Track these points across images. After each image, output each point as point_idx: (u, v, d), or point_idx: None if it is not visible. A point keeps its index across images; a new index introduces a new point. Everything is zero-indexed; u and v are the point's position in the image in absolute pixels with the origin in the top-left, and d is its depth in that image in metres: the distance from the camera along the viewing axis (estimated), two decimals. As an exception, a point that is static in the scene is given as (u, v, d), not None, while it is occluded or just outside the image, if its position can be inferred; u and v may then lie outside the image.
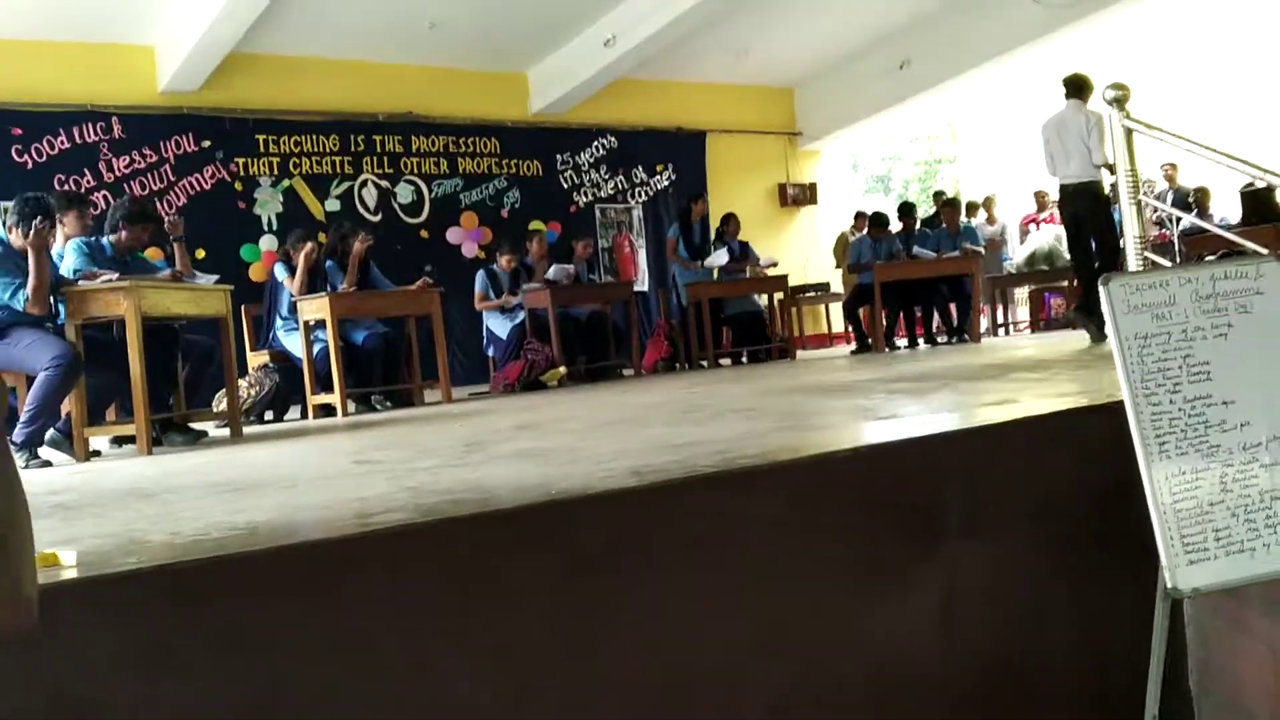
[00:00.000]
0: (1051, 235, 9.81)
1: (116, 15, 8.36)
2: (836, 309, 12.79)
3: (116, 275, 4.40)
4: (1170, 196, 9.70)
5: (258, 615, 1.66)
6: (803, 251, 12.51)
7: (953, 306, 8.82)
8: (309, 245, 6.60)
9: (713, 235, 9.47)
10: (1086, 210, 6.41)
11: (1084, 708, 2.73)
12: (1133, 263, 3.22)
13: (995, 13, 10.87)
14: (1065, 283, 9.88)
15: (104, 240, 4.84)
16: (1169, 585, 2.38)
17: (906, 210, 9.46)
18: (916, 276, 8.50)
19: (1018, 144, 15.59)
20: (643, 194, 12.05)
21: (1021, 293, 11.27)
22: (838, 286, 12.38)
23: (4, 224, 4.44)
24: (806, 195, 13.06)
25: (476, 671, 1.84)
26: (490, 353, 8.08)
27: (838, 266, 12.29)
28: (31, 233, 4.17)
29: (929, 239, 9.07)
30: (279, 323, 6.70)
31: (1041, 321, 10.58)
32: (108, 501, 2.78)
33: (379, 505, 2.17)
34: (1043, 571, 2.67)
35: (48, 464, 4.30)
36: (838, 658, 2.28)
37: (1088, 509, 2.76)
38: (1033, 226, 10.62)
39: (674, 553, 2.10)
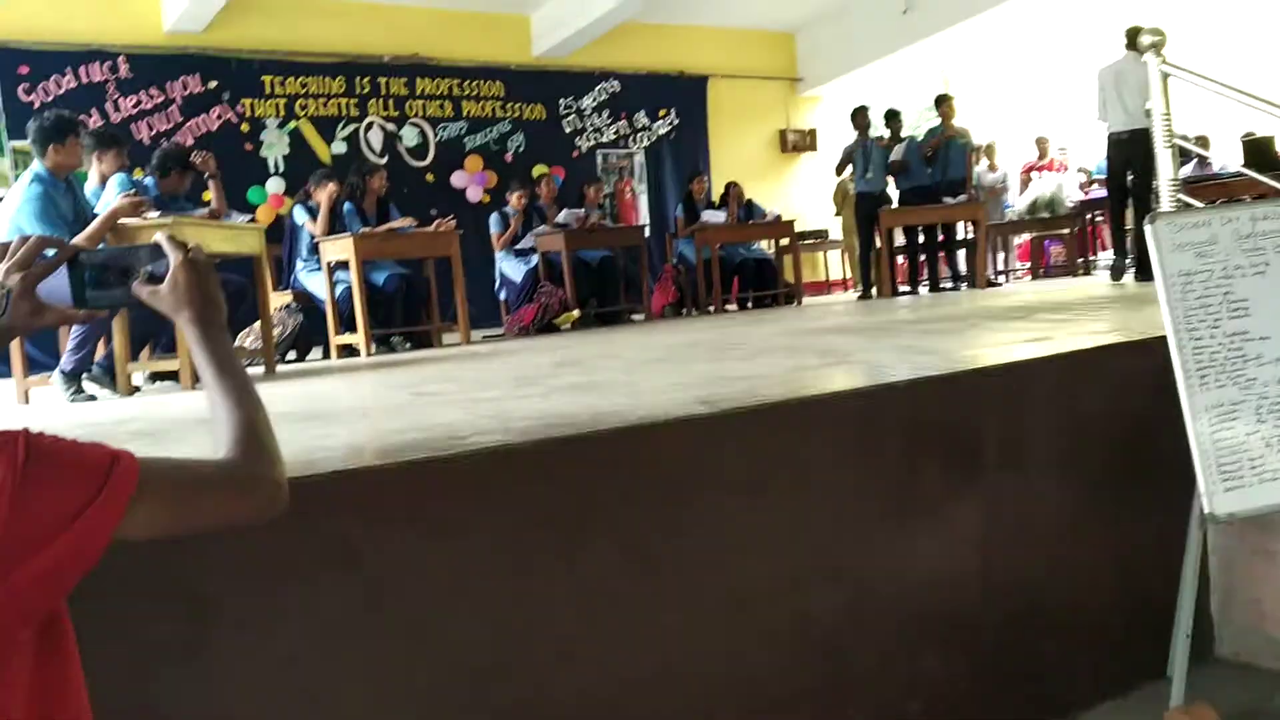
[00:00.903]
0: (1053, 183, 9.91)
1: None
2: (834, 256, 12.90)
3: (158, 213, 4.46)
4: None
5: (377, 534, 1.76)
6: (803, 198, 12.57)
7: (959, 252, 8.93)
8: (331, 185, 6.65)
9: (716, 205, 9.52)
10: (1140, 158, 6.61)
11: (1115, 630, 2.87)
12: (1166, 205, 3.32)
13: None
14: (1066, 230, 10.00)
15: (146, 180, 4.88)
16: (1206, 511, 2.50)
17: (893, 116, 9.52)
18: (922, 222, 8.59)
19: (1013, 94, 15.65)
20: (645, 139, 12.06)
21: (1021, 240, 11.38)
22: (836, 234, 12.46)
23: (41, 155, 4.46)
24: (807, 141, 13.09)
25: (571, 594, 1.95)
26: (503, 296, 8.16)
27: (837, 214, 12.35)
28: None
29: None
30: (299, 264, 6.76)
31: (1042, 269, 10.70)
32: (183, 430, 2.87)
33: (468, 429, 2.26)
34: (1078, 501, 2.79)
35: (92, 398, 4.38)
36: (886, 584, 2.40)
37: (1121, 441, 2.87)
38: (1034, 174, 10.70)
39: (742, 478, 2.21)
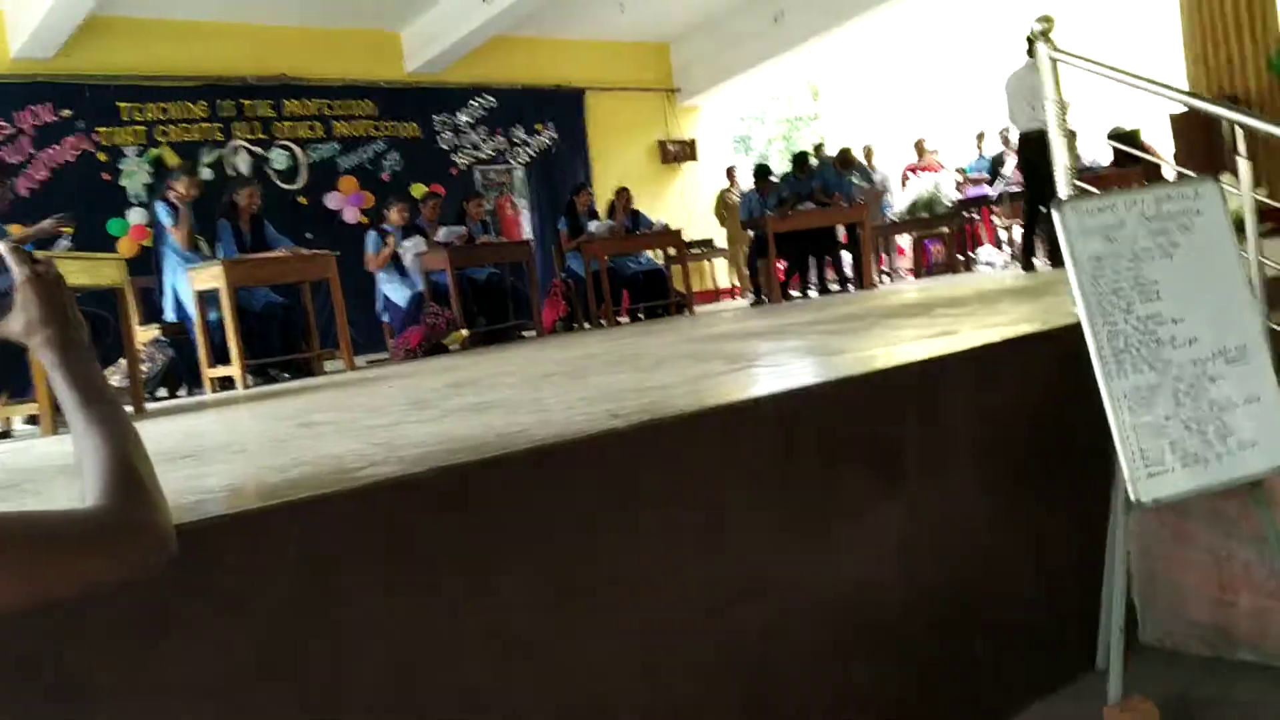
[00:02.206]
0: (931, 182, 10.05)
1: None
2: (721, 265, 12.90)
3: None
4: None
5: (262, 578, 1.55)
6: (686, 208, 12.54)
7: (845, 255, 8.97)
8: (186, 180, 6.32)
9: (604, 212, 9.38)
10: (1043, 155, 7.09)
11: (1042, 625, 2.80)
12: (1063, 192, 3.30)
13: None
14: (946, 229, 10.15)
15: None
16: (1132, 499, 2.45)
17: (763, 172, 9.55)
18: (808, 227, 8.59)
19: (889, 98, 15.95)
20: (524, 154, 11.89)
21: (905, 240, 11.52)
22: (721, 243, 12.48)
23: None
24: (687, 152, 13.08)
25: (481, 633, 1.77)
26: (386, 318, 7.87)
27: (720, 224, 12.37)
28: None
29: (814, 184, 9.14)
30: (168, 275, 6.35)
31: (924, 268, 10.85)
32: (45, 479, 2.60)
33: (360, 460, 2.07)
34: (998, 497, 2.72)
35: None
36: (810, 595, 2.28)
37: (1037, 433, 2.82)
38: (913, 175, 10.85)
39: (659, 493, 2.07)
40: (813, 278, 9.30)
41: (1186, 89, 3.29)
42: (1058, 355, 2.91)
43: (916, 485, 2.52)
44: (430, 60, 10.81)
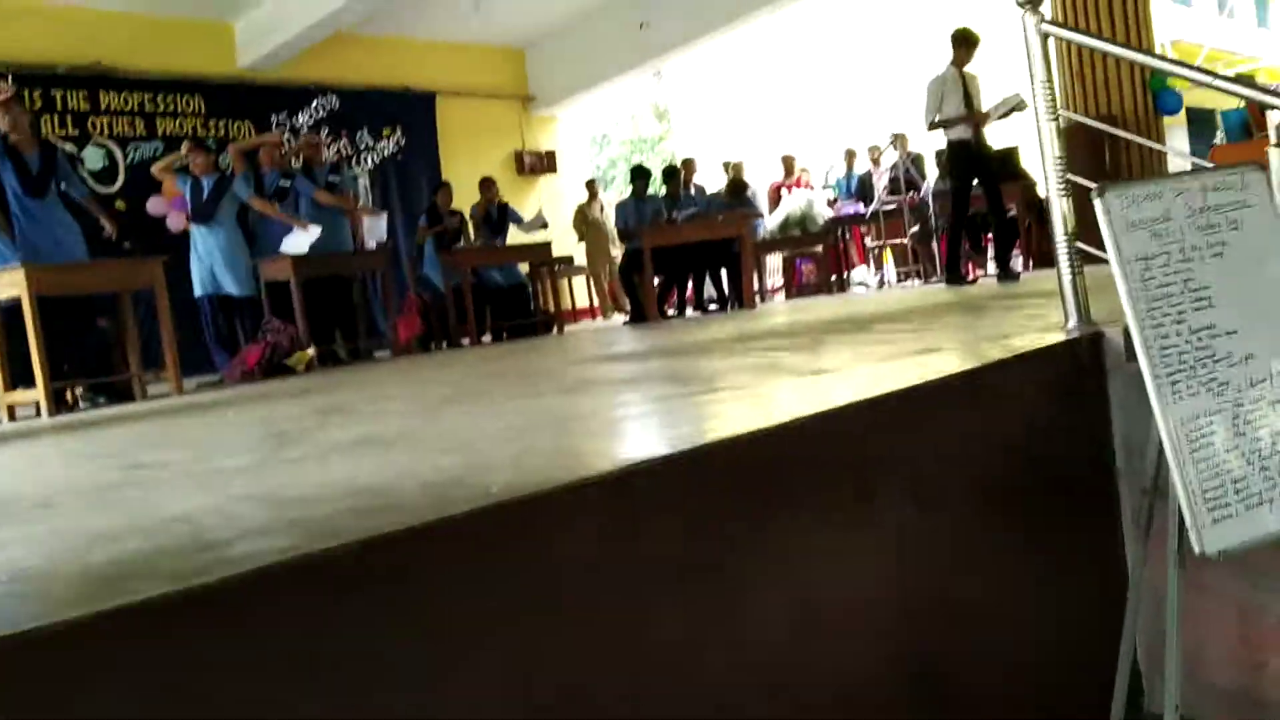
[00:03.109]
0: (803, 199, 9.71)
1: None
2: (580, 282, 12.33)
3: None
4: (906, 161, 9.80)
5: None
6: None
7: (723, 272, 8.52)
8: None
9: (466, 208, 8.70)
10: (985, 159, 6.94)
11: (1047, 690, 2.35)
12: (1055, 187, 2.86)
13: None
14: (819, 248, 9.83)
15: None
16: (1198, 549, 2.00)
17: (640, 174, 9.05)
18: (686, 240, 8.09)
19: (740, 117, 15.74)
20: (369, 160, 11.05)
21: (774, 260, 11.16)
22: (581, 260, 11.93)
23: None
24: (545, 164, 12.49)
25: None
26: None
27: (580, 240, 11.79)
28: None
29: (697, 203, 8.72)
30: None
31: (795, 288, 10.51)
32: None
33: (224, 525, 1.40)
34: (983, 541, 2.25)
35: None
36: (779, 667, 1.73)
37: (1028, 464, 2.37)
38: (784, 192, 10.51)
39: (659, 560, 1.49)
40: (689, 295, 8.83)
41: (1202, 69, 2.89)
42: (1050, 377, 2.48)
43: (900, 528, 2.00)
44: (267, 55, 9.90)
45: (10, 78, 6.84)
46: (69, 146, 8.78)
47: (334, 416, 2.95)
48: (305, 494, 1.61)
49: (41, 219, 5.61)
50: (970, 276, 7.66)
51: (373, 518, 1.34)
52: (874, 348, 2.99)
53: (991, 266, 8.24)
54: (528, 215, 9.23)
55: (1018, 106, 6.65)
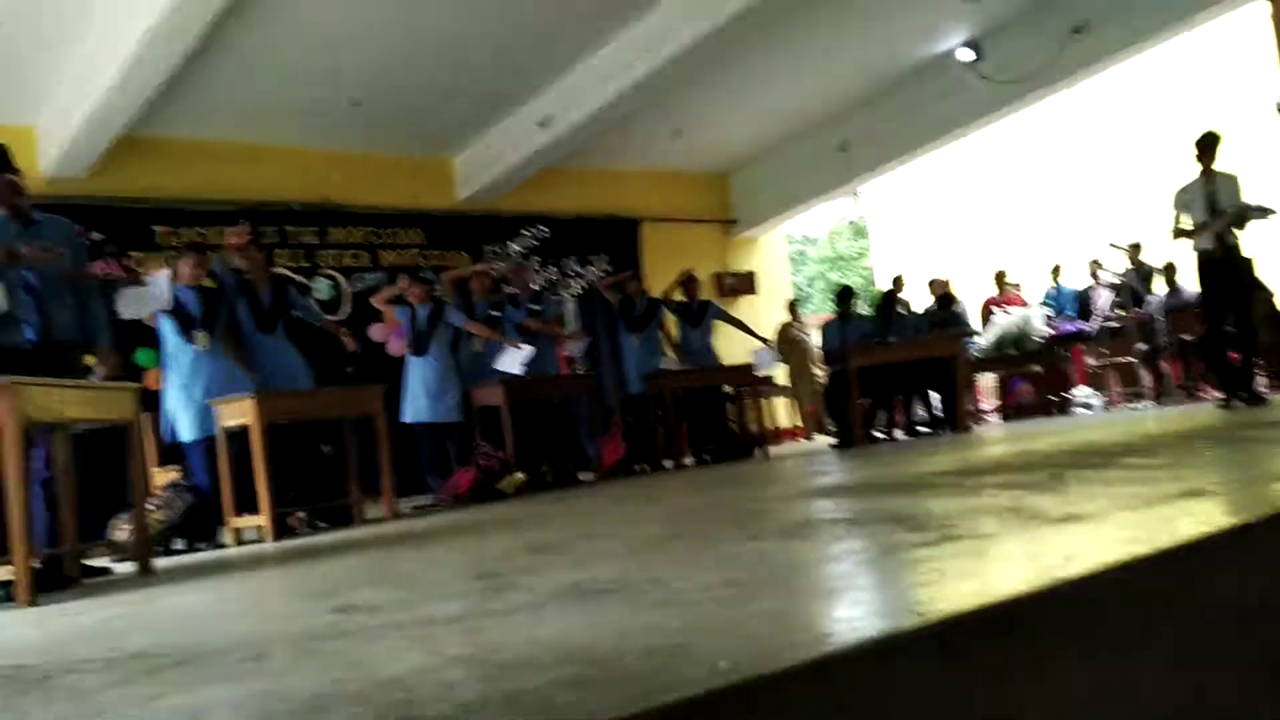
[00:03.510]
0: (1019, 316, 9.30)
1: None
2: (781, 403, 12.13)
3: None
4: (1133, 275, 9.29)
5: None
6: (744, 343, 11.83)
7: (932, 393, 8.18)
8: (194, 258, 5.67)
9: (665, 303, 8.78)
10: (1236, 273, 6.50)
11: None
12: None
13: (939, 92, 10.53)
14: (1037, 367, 9.35)
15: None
16: None
17: (846, 296, 8.85)
18: (895, 360, 7.82)
19: (942, 233, 15.38)
20: (577, 285, 11.30)
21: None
22: (782, 379, 11.75)
23: None
24: (745, 284, 12.47)
25: None
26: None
27: (781, 360, 11.64)
28: None
29: (907, 324, 8.46)
30: (169, 391, 5.62)
31: (1008, 409, 10.00)
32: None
33: (438, 700, 1.29)
34: None
35: None
36: None
37: None
38: (995, 309, 10.09)
39: None
40: (898, 417, 8.51)
41: None
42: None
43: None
44: (482, 188, 10.36)
45: (249, 221, 7.38)
46: (299, 278, 9.31)
47: (546, 555, 2.86)
48: (519, 657, 1.50)
49: (271, 350, 5.89)
50: (1216, 396, 7.03)
51: (591, 692, 1.21)
52: (1126, 487, 2.69)
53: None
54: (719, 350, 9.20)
55: (1255, 213, 6.17)
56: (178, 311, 5.60)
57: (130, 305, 5.09)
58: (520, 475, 6.47)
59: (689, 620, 1.62)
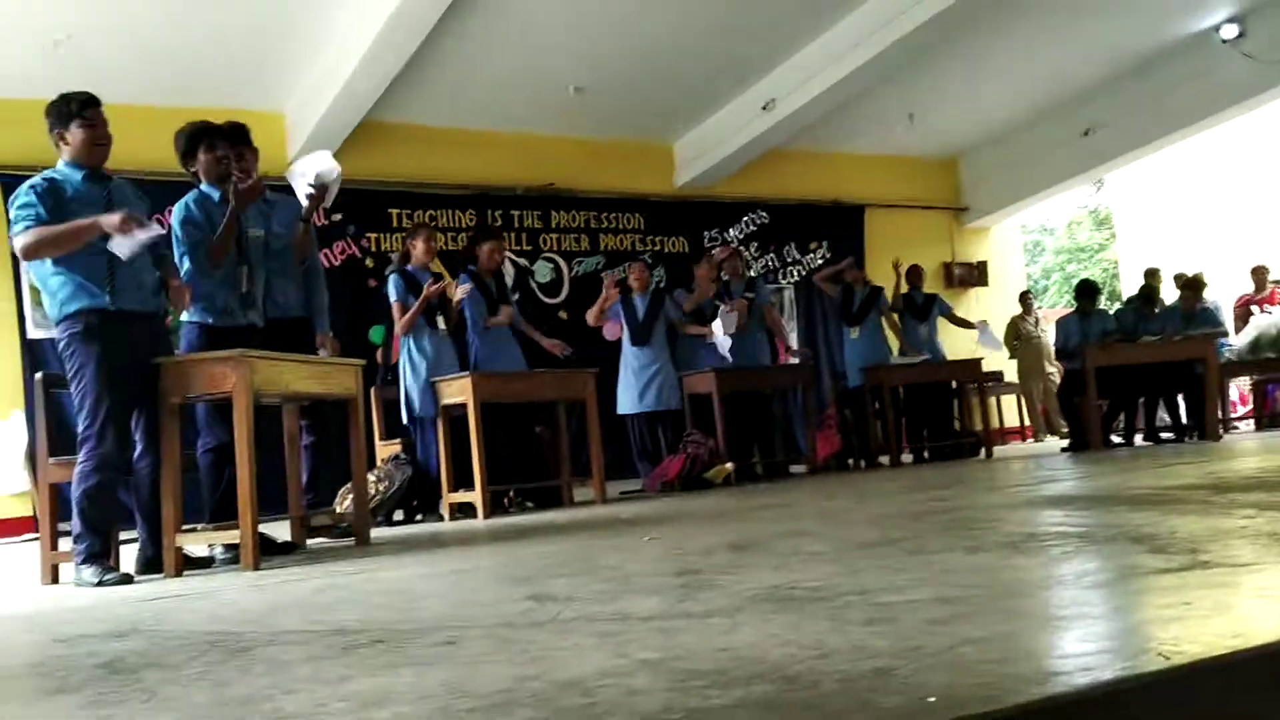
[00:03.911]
0: (1279, 317, 8.49)
1: (244, 82, 7.88)
2: (1008, 401, 11.57)
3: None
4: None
5: None
6: (973, 336, 11.34)
7: (1179, 397, 7.58)
8: (424, 235, 5.79)
9: (890, 294, 8.51)
10: None
11: None
12: None
13: (1195, 72, 9.75)
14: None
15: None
16: None
17: (1088, 291, 8.26)
18: (1139, 360, 7.27)
19: (1188, 226, 14.29)
20: (795, 273, 11.10)
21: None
22: (1011, 375, 11.21)
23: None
24: (975, 275, 11.95)
25: None
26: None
27: (1011, 357, 11.10)
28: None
29: (1154, 320, 7.87)
30: (403, 372, 5.80)
31: (1265, 417, 9.16)
32: (178, 660, 1.87)
33: (619, 708, 1.22)
34: None
35: (127, 578, 3.43)
36: None
37: None
38: (1253, 308, 9.26)
39: None
40: (1139, 422, 7.94)
41: None
42: None
43: None
44: (702, 173, 10.32)
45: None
46: (522, 261, 9.54)
47: (748, 554, 2.75)
48: (709, 667, 1.41)
49: (491, 335, 5.98)
50: None
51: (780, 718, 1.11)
52: None
53: None
54: (946, 343, 8.80)
55: None
56: (414, 289, 5.72)
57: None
58: (728, 465, 6.38)
59: (895, 641, 1.49)
